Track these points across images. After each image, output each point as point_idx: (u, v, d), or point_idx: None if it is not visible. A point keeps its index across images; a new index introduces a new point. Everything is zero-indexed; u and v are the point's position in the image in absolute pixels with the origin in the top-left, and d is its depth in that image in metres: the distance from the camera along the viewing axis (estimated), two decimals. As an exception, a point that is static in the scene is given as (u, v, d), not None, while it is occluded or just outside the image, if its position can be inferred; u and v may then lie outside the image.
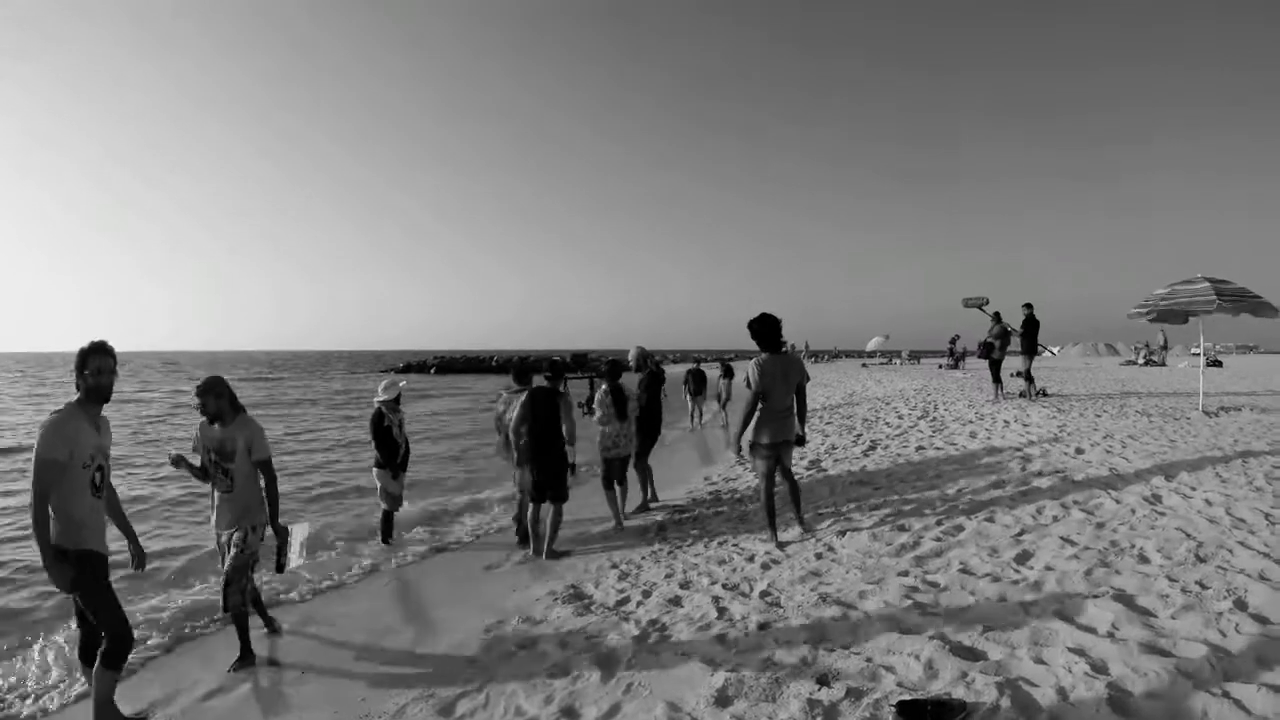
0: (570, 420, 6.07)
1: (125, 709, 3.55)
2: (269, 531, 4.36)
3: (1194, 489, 5.54)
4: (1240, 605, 3.29)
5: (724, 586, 4.49)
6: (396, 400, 6.92)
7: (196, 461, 4.32)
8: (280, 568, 4.50)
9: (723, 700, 2.98)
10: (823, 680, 3.00)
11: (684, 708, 2.99)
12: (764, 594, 4.26)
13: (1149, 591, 3.58)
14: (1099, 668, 2.82)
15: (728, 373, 16.52)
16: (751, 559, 4.99)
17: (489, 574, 5.79)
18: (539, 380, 6.35)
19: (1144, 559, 4.11)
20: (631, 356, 7.26)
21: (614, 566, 5.38)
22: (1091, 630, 3.19)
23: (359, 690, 3.75)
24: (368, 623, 4.90)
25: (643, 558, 5.52)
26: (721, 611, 4.05)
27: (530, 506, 6.20)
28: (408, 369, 58.27)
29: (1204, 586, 3.57)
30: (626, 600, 4.56)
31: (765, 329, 5.29)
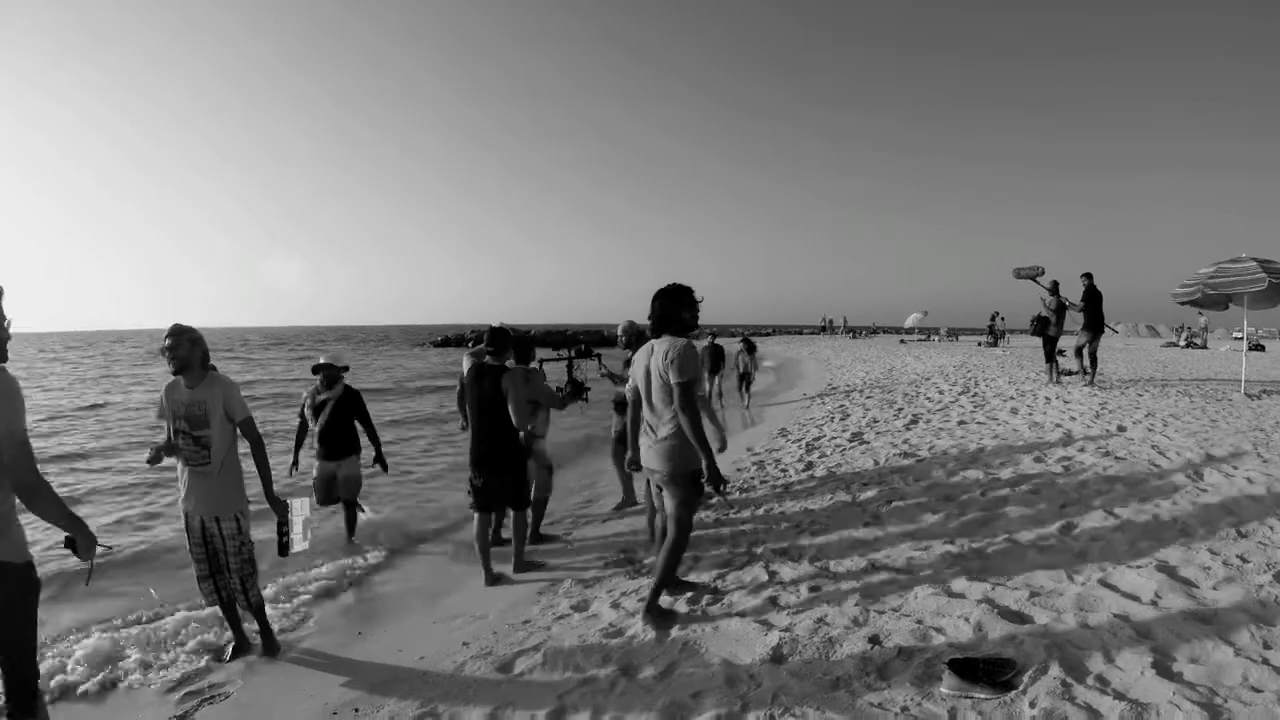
0: (519, 400, 4.83)
1: None
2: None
3: (1235, 467, 5.56)
4: (1280, 579, 3.38)
5: (773, 551, 4.62)
6: (332, 376, 6.04)
7: (162, 437, 3.79)
8: (283, 550, 3.97)
9: (778, 658, 3.10)
10: (875, 640, 3.14)
11: (740, 664, 3.09)
12: (814, 558, 4.40)
13: (1191, 563, 3.67)
14: (1143, 633, 2.94)
15: (749, 348, 15.52)
16: (798, 526, 5.13)
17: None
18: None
19: (1185, 532, 4.20)
20: (620, 330, 6.38)
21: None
22: (1135, 598, 3.30)
23: (416, 649, 3.84)
24: (417, 586, 5.14)
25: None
26: (772, 575, 4.19)
27: (476, 518, 4.96)
28: (445, 343, 56.98)
29: (1245, 560, 3.65)
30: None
31: (652, 305, 3.85)
